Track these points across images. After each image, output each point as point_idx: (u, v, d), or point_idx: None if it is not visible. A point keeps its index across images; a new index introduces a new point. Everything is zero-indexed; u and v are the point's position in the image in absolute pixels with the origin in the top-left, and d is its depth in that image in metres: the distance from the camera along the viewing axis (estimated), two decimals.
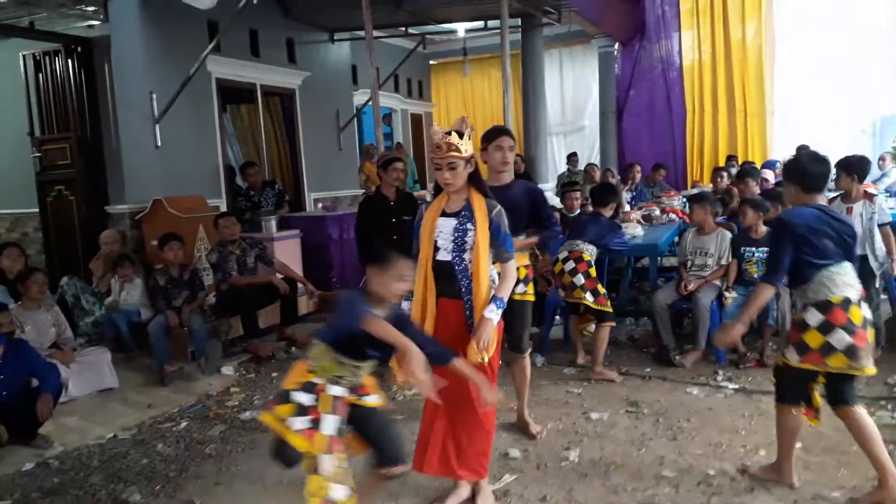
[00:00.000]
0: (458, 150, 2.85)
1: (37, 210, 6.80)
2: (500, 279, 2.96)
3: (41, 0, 6.08)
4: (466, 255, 2.92)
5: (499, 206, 2.95)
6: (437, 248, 2.98)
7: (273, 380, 5.22)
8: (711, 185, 7.64)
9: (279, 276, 6.03)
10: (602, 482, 3.36)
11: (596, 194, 5.39)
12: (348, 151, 9.85)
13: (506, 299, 2.92)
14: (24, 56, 6.78)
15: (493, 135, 3.70)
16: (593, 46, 11.57)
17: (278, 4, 8.30)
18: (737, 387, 4.55)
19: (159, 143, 6.70)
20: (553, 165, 12.48)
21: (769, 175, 7.37)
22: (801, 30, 10.53)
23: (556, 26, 10.23)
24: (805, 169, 3.11)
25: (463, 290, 2.93)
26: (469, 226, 2.90)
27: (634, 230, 6.05)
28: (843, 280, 2.96)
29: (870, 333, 2.98)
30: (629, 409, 4.27)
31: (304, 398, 2.49)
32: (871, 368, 2.95)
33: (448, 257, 2.94)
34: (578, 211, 6.63)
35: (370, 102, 7.25)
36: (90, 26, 6.63)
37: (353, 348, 2.50)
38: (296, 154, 8.84)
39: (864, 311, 2.97)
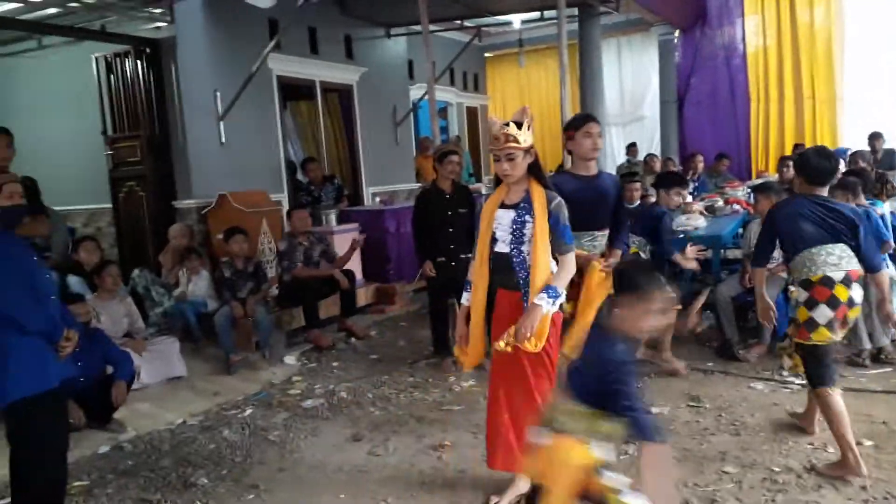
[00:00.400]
0: (516, 140, 2.83)
1: (110, 205, 7.09)
2: (558, 270, 2.91)
3: (110, 4, 6.32)
4: (524, 248, 2.90)
5: (559, 198, 2.92)
6: (495, 240, 2.97)
7: (333, 369, 5.34)
8: (777, 175, 7.38)
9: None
10: None
11: (660, 179, 5.28)
12: (405, 146, 9.94)
13: (561, 289, 2.87)
14: (96, 58, 7.07)
15: (580, 121, 3.60)
16: (653, 34, 11.32)
17: (336, 1, 8.42)
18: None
19: (223, 140, 6.91)
20: (612, 156, 12.29)
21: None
22: (873, 11, 10.03)
23: (614, 15, 10.04)
24: (810, 164, 3.38)
25: (521, 282, 2.91)
26: (527, 217, 2.88)
27: (697, 221, 5.91)
28: (825, 260, 3.21)
29: (853, 312, 3.22)
30: (690, 404, 4.19)
31: (613, 477, 2.08)
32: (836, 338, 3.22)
33: (506, 249, 2.93)
34: (638, 202, 6.52)
35: (426, 97, 7.29)
36: (157, 28, 6.86)
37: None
38: (354, 149, 8.97)
39: (853, 291, 3.19)
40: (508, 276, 2.94)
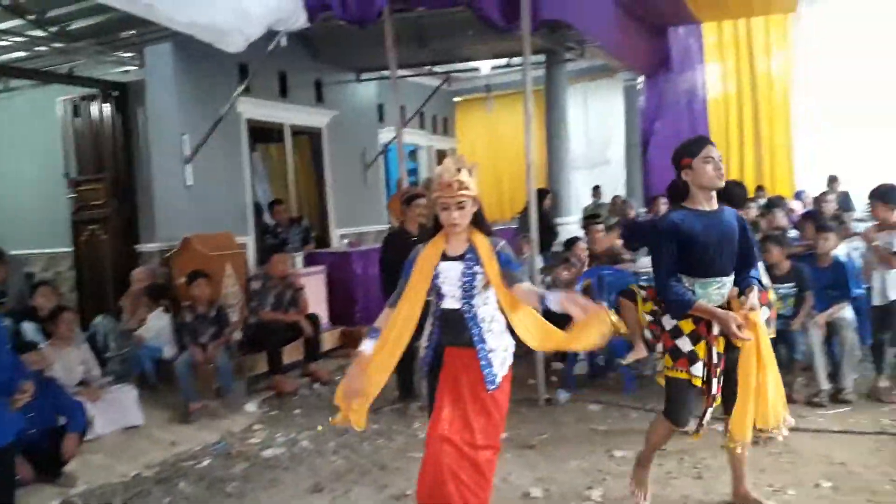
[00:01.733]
0: (467, 188, 2.69)
1: (70, 249, 6.99)
2: (529, 295, 2.64)
3: (80, 48, 6.33)
4: (475, 301, 2.76)
5: (503, 241, 2.78)
6: (441, 296, 2.80)
7: (295, 417, 5.24)
8: None
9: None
10: None
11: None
12: (374, 188, 9.98)
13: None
14: (63, 101, 7.04)
15: (698, 146, 3.09)
16: (618, 80, 11.59)
17: (307, 47, 8.52)
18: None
19: (189, 183, 6.87)
20: (577, 200, 12.44)
21: (797, 206, 7.26)
22: (829, 59, 10.40)
23: (579, 61, 10.27)
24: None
25: (475, 338, 2.74)
26: (477, 268, 2.73)
27: None
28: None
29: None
30: None
31: None
32: None
33: (457, 305, 2.77)
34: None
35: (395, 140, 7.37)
36: (126, 71, 6.88)
37: None
38: (322, 191, 8.99)
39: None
40: (460, 333, 2.77)
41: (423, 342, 2.93)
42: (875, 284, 4.82)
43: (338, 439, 4.67)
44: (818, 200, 7.51)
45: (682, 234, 2.98)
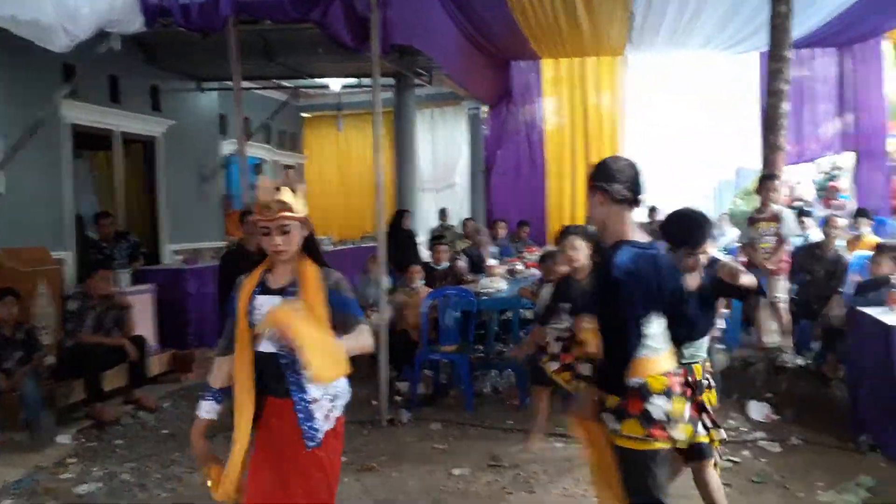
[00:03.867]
0: (291, 209, 2.30)
1: None
2: (351, 336, 2.32)
3: None
4: None
5: (338, 273, 2.42)
6: (256, 336, 2.35)
7: (116, 448, 4.82)
8: None
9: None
10: None
11: None
12: (212, 202, 9.55)
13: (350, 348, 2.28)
14: None
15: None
16: (463, 108, 12.03)
17: (143, 51, 8.03)
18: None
19: (1, 191, 6.22)
20: (425, 220, 12.69)
21: None
22: (652, 99, 11.47)
23: (427, 87, 10.54)
24: None
25: (292, 387, 2.31)
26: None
27: (499, 284, 6.23)
28: None
29: None
30: (491, 463, 4.29)
31: None
32: None
33: (271, 347, 2.32)
34: (447, 264, 6.78)
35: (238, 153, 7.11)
36: None
37: None
38: (154, 204, 8.47)
39: None
40: (276, 381, 2.33)
41: None
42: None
43: (164, 471, 4.36)
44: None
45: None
